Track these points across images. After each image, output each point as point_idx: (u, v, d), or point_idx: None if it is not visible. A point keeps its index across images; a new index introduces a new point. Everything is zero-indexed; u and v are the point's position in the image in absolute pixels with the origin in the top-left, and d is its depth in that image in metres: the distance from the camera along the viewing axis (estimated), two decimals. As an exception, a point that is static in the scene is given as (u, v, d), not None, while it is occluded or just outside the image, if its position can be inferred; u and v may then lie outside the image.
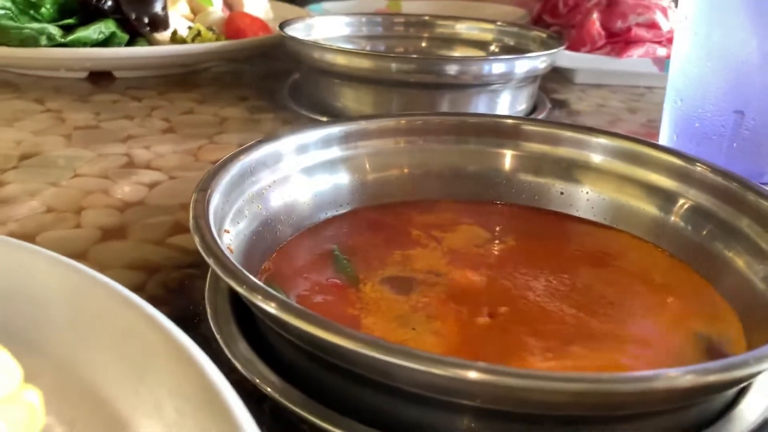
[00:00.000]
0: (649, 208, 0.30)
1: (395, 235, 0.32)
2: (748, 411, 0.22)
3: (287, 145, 0.31)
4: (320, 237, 0.32)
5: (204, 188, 0.25)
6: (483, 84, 0.48)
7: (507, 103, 0.50)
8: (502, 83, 0.48)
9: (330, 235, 0.32)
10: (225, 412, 0.15)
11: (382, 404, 0.20)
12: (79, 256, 0.30)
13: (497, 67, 0.47)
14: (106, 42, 0.54)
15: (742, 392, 0.22)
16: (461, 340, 0.25)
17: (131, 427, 0.16)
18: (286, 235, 0.31)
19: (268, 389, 0.21)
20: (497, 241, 0.32)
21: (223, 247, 0.22)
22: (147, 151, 0.42)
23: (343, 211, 0.33)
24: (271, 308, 0.19)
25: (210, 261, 0.21)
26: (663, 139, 0.44)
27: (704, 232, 0.28)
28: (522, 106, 0.52)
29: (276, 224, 0.30)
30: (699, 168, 0.29)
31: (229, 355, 0.23)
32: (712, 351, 0.24)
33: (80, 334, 0.18)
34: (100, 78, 0.58)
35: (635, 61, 0.61)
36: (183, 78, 0.60)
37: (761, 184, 0.42)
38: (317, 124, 0.33)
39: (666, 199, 0.30)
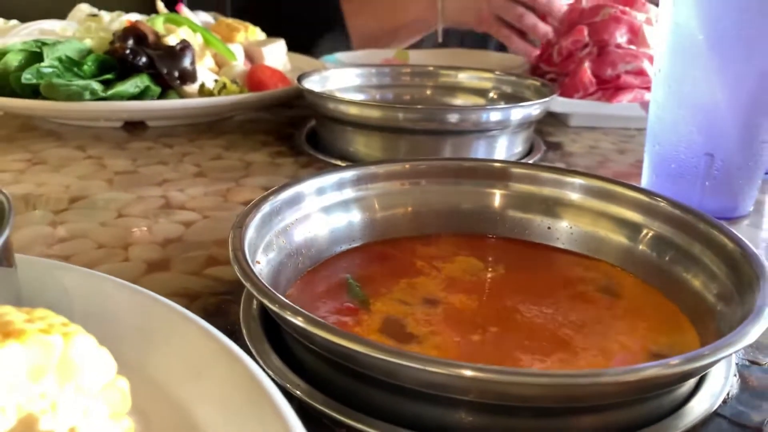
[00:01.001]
0: (619, 238, 0.35)
1: (401, 266, 0.37)
2: (697, 407, 0.26)
3: (308, 187, 0.36)
4: (336, 267, 0.36)
5: (239, 225, 0.30)
6: (482, 130, 0.53)
7: (504, 147, 0.55)
8: (500, 129, 0.54)
9: (344, 266, 0.37)
10: (271, 405, 0.19)
11: (390, 401, 0.25)
12: (130, 285, 0.35)
13: (494, 115, 0.52)
14: (141, 95, 0.60)
15: (693, 393, 0.27)
16: (459, 353, 0.29)
17: (194, 415, 0.21)
18: (306, 266, 0.36)
19: (297, 392, 0.26)
20: (490, 270, 0.36)
21: (258, 274, 0.27)
22: (181, 194, 0.48)
23: (356, 245, 0.38)
24: (298, 322, 0.24)
25: (247, 284, 0.26)
26: (644, 179, 0.49)
27: (667, 258, 0.33)
28: (518, 149, 0.57)
29: (298, 256, 0.35)
30: (661, 203, 0.34)
31: (263, 366, 0.27)
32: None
33: (148, 343, 0.23)
34: (135, 127, 0.64)
35: (624, 105, 0.66)
36: (210, 126, 0.66)
37: (732, 218, 0.46)
38: (333, 169, 0.38)
39: (634, 230, 0.35)
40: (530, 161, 0.56)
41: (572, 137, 0.66)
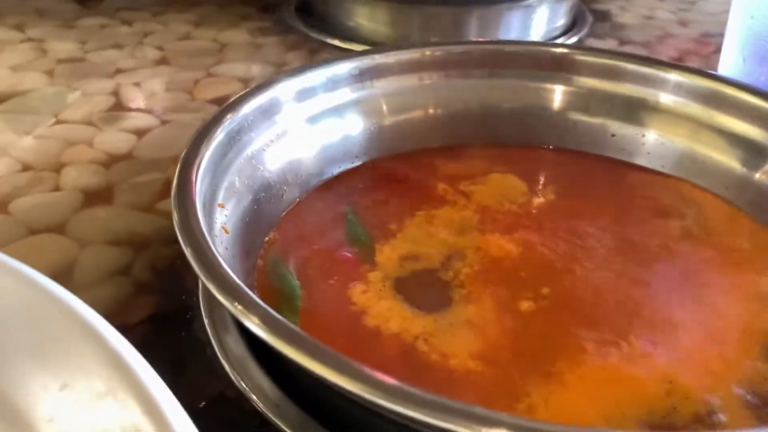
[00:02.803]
0: (730, 161, 0.25)
1: (417, 190, 0.28)
2: None
3: (285, 91, 0.26)
4: (331, 196, 0.27)
5: (188, 160, 0.21)
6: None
7: (544, 20, 0.44)
8: (539, -4, 0.42)
9: (342, 194, 0.28)
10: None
11: (381, 427, 0.17)
12: (58, 227, 0.26)
13: (533, -22, 0.41)
14: (89, -43, 0.48)
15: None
16: (500, 333, 0.21)
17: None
18: (294, 197, 0.27)
19: (265, 409, 0.18)
20: (540, 196, 0.27)
21: (210, 238, 0.18)
22: (137, 89, 0.38)
23: (358, 163, 0.29)
24: (268, 338, 0.15)
25: (195, 266, 0.17)
26: (726, 64, 0.38)
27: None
28: (561, 22, 0.46)
29: (281, 186, 0.26)
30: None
31: (225, 365, 0.19)
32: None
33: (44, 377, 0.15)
34: (88, -4, 0.52)
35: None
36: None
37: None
38: (320, 63, 0.28)
39: (753, 152, 0.25)
40: (576, 37, 0.45)
41: (622, 4, 0.54)
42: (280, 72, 0.27)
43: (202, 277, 0.17)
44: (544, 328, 0.21)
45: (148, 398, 0.13)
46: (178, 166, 0.21)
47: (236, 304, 0.16)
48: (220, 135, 0.23)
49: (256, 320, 0.15)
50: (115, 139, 0.32)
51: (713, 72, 0.27)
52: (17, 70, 0.40)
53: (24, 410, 0.14)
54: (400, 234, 0.25)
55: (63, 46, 0.44)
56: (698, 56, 0.44)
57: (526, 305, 0.21)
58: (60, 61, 0.41)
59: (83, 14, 0.50)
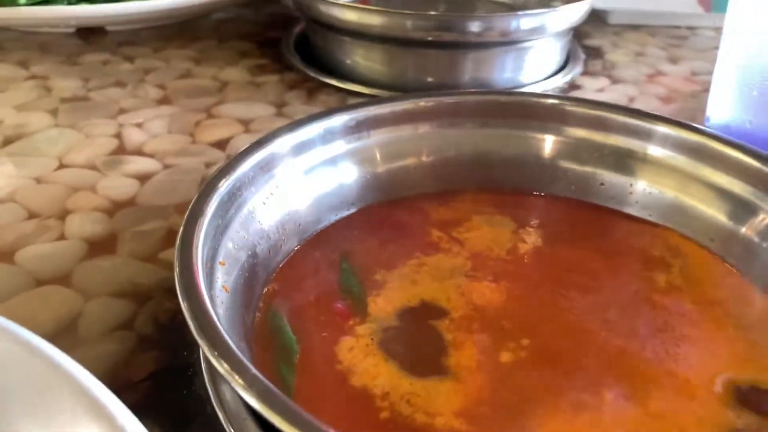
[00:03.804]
0: (717, 214, 0.26)
1: (410, 237, 0.29)
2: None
3: (282, 147, 0.27)
4: (327, 244, 0.28)
5: (189, 226, 0.22)
6: (511, 42, 0.43)
7: (538, 60, 0.45)
8: (534, 39, 0.43)
9: (338, 241, 0.28)
10: None
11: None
12: (64, 278, 0.27)
13: (527, 22, 0.42)
14: (93, -5, 0.49)
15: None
16: (480, 386, 0.22)
17: None
18: (292, 246, 0.28)
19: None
20: (530, 243, 0.28)
21: (210, 304, 0.19)
22: (139, 131, 0.39)
23: (354, 210, 0.30)
24: (262, 410, 0.16)
25: (200, 342, 0.18)
26: (713, 107, 0.39)
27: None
28: (554, 61, 0.47)
29: (279, 236, 0.27)
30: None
31: (224, 424, 0.20)
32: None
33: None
34: (91, 32, 0.53)
35: (675, 0, 0.55)
36: (181, 28, 0.55)
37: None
38: (315, 116, 0.29)
39: (739, 207, 0.26)
40: (569, 75, 0.46)
41: (613, 39, 0.55)
42: (279, 113, 0.28)
43: (202, 345, 0.18)
44: (522, 381, 0.21)
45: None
46: (181, 229, 0.21)
47: (229, 369, 0.17)
48: (221, 193, 0.24)
49: (254, 393, 0.16)
50: (118, 185, 0.33)
51: (699, 126, 0.28)
52: (22, 109, 0.41)
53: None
54: (392, 284, 0.26)
55: (66, 84, 0.45)
56: (687, 95, 0.45)
57: (506, 356, 0.22)
58: (64, 100, 0.42)
59: (86, 50, 0.51)
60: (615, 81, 0.47)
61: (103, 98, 0.43)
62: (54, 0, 0.48)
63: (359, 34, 0.44)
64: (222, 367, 0.17)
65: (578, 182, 0.31)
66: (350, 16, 0.43)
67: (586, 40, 0.54)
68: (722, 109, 0.38)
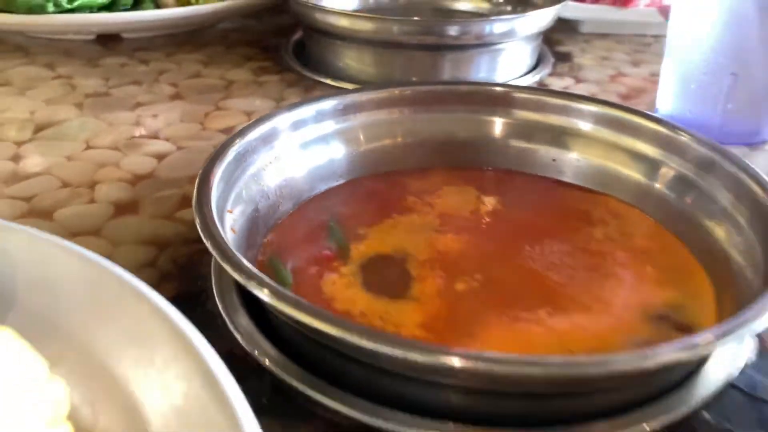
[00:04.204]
0: (634, 174, 0.32)
1: (390, 202, 0.34)
2: (708, 378, 0.23)
3: (282, 122, 0.32)
4: (318, 208, 0.33)
5: (205, 176, 0.27)
6: (485, 44, 0.48)
7: (510, 61, 0.50)
8: (505, 42, 0.49)
9: (327, 206, 0.33)
10: (223, 398, 0.17)
11: (370, 379, 0.22)
12: (95, 232, 0.32)
13: (499, 27, 0.47)
14: (112, 5, 0.55)
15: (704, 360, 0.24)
16: (438, 307, 0.27)
17: (143, 407, 0.18)
18: (287, 209, 0.33)
19: (269, 363, 0.24)
20: (487, 205, 0.33)
21: (224, 234, 0.24)
22: (155, 120, 0.44)
23: (341, 182, 0.35)
24: (264, 296, 0.21)
25: (214, 252, 0.23)
26: (661, 100, 0.44)
27: (687, 200, 0.30)
28: (525, 63, 0.52)
29: (277, 199, 0.32)
30: (684, 137, 0.30)
31: (233, 331, 0.25)
32: (677, 324, 0.26)
33: (97, 322, 0.21)
34: (109, 40, 0.59)
35: (641, 10, 0.60)
36: (191, 36, 0.60)
37: (754, 144, 0.43)
38: (310, 99, 0.34)
39: (651, 166, 0.31)
40: (538, 76, 0.52)
41: (582, 46, 0.61)
42: (278, 107, 0.33)
43: (220, 260, 0.23)
44: (472, 303, 0.26)
45: (206, 369, 0.18)
46: (197, 180, 0.27)
47: (244, 277, 0.22)
48: (229, 157, 0.29)
49: (266, 291, 0.21)
50: (138, 162, 0.38)
51: (619, 103, 0.33)
52: (50, 103, 0.47)
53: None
54: (372, 236, 0.31)
55: (89, 83, 0.50)
56: (644, 92, 0.51)
57: (460, 286, 0.27)
58: (87, 96, 0.48)
59: (105, 54, 0.56)
60: (579, 81, 0.52)
61: (122, 94, 0.48)
62: (78, 9, 0.53)
63: (351, 38, 0.49)
64: (229, 266, 0.22)
65: (525, 157, 0.36)
66: (343, 22, 0.48)
67: (558, 47, 0.59)
68: (668, 101, 0.44)
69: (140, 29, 0.58)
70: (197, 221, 0.25)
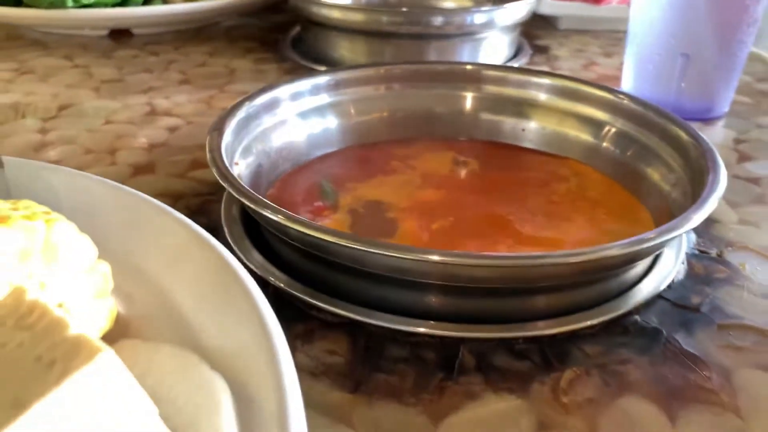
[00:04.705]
0: (585, 136, 0.36)
1: (377, 166, 0.38)
2: (643, 290, 0.28)
3: (283, 92, 0.37)
4: (314, 170, 0.38)
5: (216, 128, 0.31)
6: (467, 33, 0.53)
7: (490, 51, 0.55)
8: (485, 32, 0.53)
9: (322, 169, 0.38)
10: (245, 293, 0.21)
11: (358, 285, 0.27)
12: (118, 187, 0.36)
13: (479, 18, 0.52)
14: (125, 2, 0.60)
15: (642, 278, 0.29)
16: (416, 241, 0.31)
17: (173, 297, 0.23)
18: (286, 169, 0.37)
19: (273, 280, 0.28)
20: (462, 168, 0.38)
21: (236, 176, 0.29)
22: (166, 101, 0.49)
23: (335, 149, 0.40)
24: (277, 218, 0.25)
25: (225, 185, 0.27)
26: (624, 82, 0.49)
27: (629, 153, 0.34)
28: (504, 53, 0.57)
29: (277, 159, 0.37)
30: (624, 101, 0.35)
31: (244, 260, 0.29)
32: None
33: (130, 234, 0.25)
34: (121, 35, 0.63)
35: (613, 7, 0.65)
36: (196, 32, 0.65)
37: (708, 119, 0.47)
38: (307, 74, 0.39)
39: (598, 127, 0.36)
40: (516, 64, 0.56)
41: (560, 41, 0.65)
42: (280, 80, 0.38)
43: (233, 192, 0.27)
44: (445, 238, 0.31)
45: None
46: (210, 128, 0.31)
47: (255, 204, 0.26)
48: (237, 117, 0.34)
49: (269, 211, 0.26)
50: (153, 134, 0.43)
51: (572, 75, 0.38)
52: (71, 87, 0.51)
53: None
54: (360, 190, 0.36)
55: (105, 71, 0.55)
56: (612, 79, 0.55)
57: (436, 226, 0.32)
58: (104, 82, 0.52)
59: (118, 47, 0.61)
60: (554, 69, 0.57)
61: (135, 80, 0.53)
62: (95, 5, 0.58)
63: (344, 28, 0.54)
64: (239, 194, 0.26)
65: (494, 127, 0.40)
66: (336, 14, 0.53)
67: (536, 41, 0.64)
68: (629, 82, 0.48)
69: (150, 24, 0.62)
70: (210, 163, 0.29)
